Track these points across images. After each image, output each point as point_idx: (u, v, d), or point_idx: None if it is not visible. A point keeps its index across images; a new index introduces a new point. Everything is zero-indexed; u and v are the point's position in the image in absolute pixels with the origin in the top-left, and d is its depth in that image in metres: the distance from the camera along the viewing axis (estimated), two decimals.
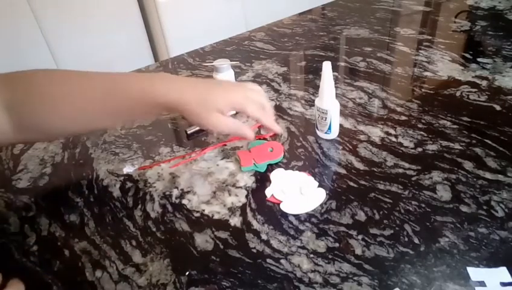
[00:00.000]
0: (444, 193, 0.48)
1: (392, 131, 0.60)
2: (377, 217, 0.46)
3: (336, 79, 0.74)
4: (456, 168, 0.52)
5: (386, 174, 0.52)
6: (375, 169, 0.53)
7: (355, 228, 0.45)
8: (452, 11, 1.03)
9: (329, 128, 0.58)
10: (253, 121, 0.58)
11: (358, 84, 0.73)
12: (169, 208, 0.50)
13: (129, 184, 0.54)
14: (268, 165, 0.55)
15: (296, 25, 1.04)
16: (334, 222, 0.46)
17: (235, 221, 0.47)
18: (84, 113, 0.47)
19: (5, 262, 0.45)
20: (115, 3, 1.37)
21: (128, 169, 0.57)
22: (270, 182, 0.52)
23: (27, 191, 0.55)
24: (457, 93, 0.68)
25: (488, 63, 0.76)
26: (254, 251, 0.43)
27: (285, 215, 0.47)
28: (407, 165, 0.53)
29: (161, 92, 0.47)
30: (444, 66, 0.77)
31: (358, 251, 0.42)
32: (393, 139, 0.58)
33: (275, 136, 0.60)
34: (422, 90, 0.70)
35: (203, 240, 0.45)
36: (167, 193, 0.52)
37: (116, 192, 0.53)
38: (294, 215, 0.47)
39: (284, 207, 0.48)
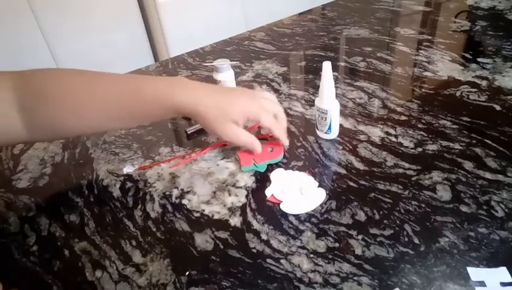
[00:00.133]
0: (444, 193, 0.48)
1: (392, 131, 0.60)
2: (377, 217, 0.46)
3: (336, 79, 0.74)
4: (456, 168, 0.52)
5: (386, 174, 0.52)
6: (375, 169, 0.53)
7: (355, 228, 0.45)
8: (452, 11, 1.03)
9: (329, 128, 0.58)
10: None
11: (358, 84, 0.73)
12: (169, 208, 0.50)
13: (129, 184, 0.54)
14: (268, 165, 0.55)
15: (296, 25, 1.04)
16: (334, 222, 0.46)
17: (235, 221, 0.47)
18: (98, 114, 0.48)
19: (5, 262, 0.45)
20: (115, 3, 1.37)
21: (128, 169, 0.57)
22: (270, 182, 0.52)
23: (27, 191, 0.55)
24: (457, 93, 0.68)
25: (488, 63, 0.76)
26: (254, 251, 0.43)
27: (285, 215, 0.47)
28: (407, 165, 0.53)
29: (179, 98, 0.47)
30: (444, 66, 0.77)
31: (358, 251, 0.42)
32: (393, 139, 0.58)
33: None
34: (422, 90, 0.70)
35: (203, 240, 0.45)
36: (167, 193, 0.52)
37: (116, 192, 0.53)
38: (294, 215, 0.47)
39: (284, 207, 0.48)
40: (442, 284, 0.38)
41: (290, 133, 0.61)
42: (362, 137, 0.59)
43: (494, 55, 0.79)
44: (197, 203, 0.50)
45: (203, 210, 0.49)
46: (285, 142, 0.55)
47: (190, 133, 0.63)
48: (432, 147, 0.56)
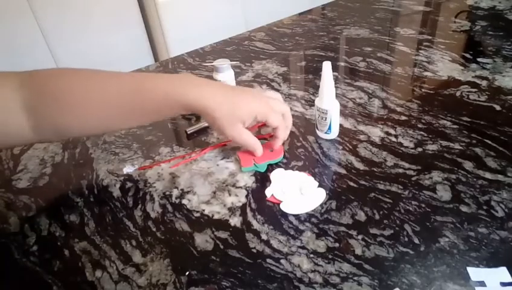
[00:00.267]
0: (444, 193, 0.48)
1: (392, 131, 0.60)
2: (377, 217, 0.46)
3: (336, 79, 0.74)
4: (456, 168, 0.52)
5: (386, 174, 0.52)
6: (375, 169, 0.53)
7: (355, 228, 0.45)
8: (452, 11, 1.03)
9: (329, 128, 0.58)
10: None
11: (358, 84, 0.73)
12: (169, 208, 0.50)
13: (129, 184, 0.54)
14: (268, 165, 0.55)
15: (296, 25, 1.04)
16: (334, 222, 0.46)
17: (235, 221, 0.47)
18: (105, 114, 0.47)
19: (5, 262, 0.45)
20: (115, 3, 1.37)
21: (128, 169, 0.57)
22: (270, 182, 0.52)
23: (27, 191, 0.55)
24: (457, 93, 0.68)
25: (488, 63, 0.76)
26: (254, 251, 0.43)
27: (285, 215, 0.47)
28: (407, 165, 0.53)
29: (187, 95, 0.47)
30: (444, 66, 0.77)
31: (358, 251, 0.42)
32: (393, 139, 0.58)
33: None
34: (422, 90, 0.70)
35: (203, 240, 0.45)
36: (167, 193, 0.52)
37: (116, 192, 0.53)
38: (294, 215, 0.47)
39: (284, 207, 0.48)
40: (442, 284, 0.38)
41: (290, 133, 0.61)
42: (362, 137, 0.59)
43: (494, 55, 0.79)
44: (197, 203, 0.50)
45: (203, 210, 0.49)
46: (277, 145, 0.55)
47: (190, 133, 0.63)
48: (431, 147, 0.56)
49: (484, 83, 0.70)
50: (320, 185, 0.51)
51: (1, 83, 0.44)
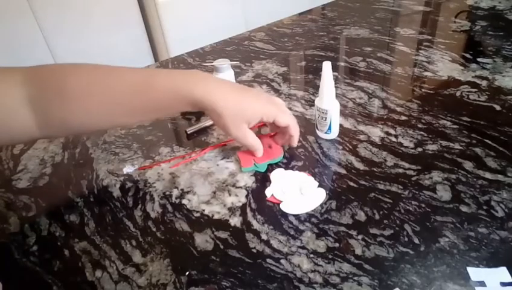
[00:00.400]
0: (444, 193, 0.48)
1: (392, 131, 0.60)
2: (377, 217, 0.46)
3: (336, 79, 0.74)
4: (456, 168, 0.52)
5: (386, 174, 0.52)
6: (375, 169, 0.53)
7: (355, 228, 0.45)
8: (452, 11, 1.03)
9: (329, 128, 0.58)
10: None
11: (358, 84, 0.73)
12: (169, 208, 0.50)
13: (129, 184, 0.54)
14: (268, 165, 0.55)
15: (296, 25, 1.04)
16: (334, 222, 0.46)
17: (235, 221, 0.47)
18: (110, 109, 0.47)
19: (5, 262, 0.45)
20: (115, 3, 1.37)
21: (128, 169, 0.57)
22: (270, 182, 0.52)
23: (27, 191, 0.55)
24: (457, 93, 0.68)
25: (488, 63, 0.76)
26: (254, 251, 0.43)
27: (285, 215, 0.47)
28: (407, 165, 0.53)
29: (196, 92, 0.47)
30: (444, 66, 0.77)
31: (358, 251, 0.42)
32: (393, 139, 0.58)
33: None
34: (422, 90, 0.70)
35: (203, 240, 0.45)
36: (167, 193, 0.52)
37: (116, 192, 0.53)
38: (294, 215, 0.47)
39: (284, 207, 0.48)
40: (442, 284, 0.38)
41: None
42: (362, 137, 0.59)
43: (494, 55, 0.79)
44: (197, 203, 0.50)
45: (203, 210, 0.49)
46: (294, 144, 0.55)
47: (190, 133, 0.63)
48: (431, 147, 0.56)
49: (484, 83, 0.70)
50: (320, 185, 0.51)
51: (4, 79, 0.44)
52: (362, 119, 0.63)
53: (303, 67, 0.82)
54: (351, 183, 0.51)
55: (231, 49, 0.92)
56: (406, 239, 0.43)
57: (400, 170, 0.52)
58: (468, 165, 0.52)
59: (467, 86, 0.70)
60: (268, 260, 0.42)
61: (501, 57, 0.78)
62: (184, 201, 0.51)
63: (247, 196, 0.51)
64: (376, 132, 0.60)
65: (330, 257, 0.42)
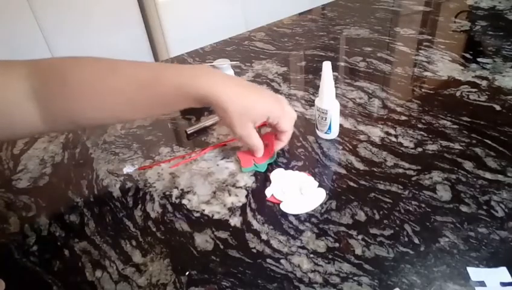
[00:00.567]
0: (444, 193, 0.48)
1: (392, 131, 0.60)
2: (377, 217, 0.46)
3: (336, 79, 0.74)
4: (456, 168, 0.52)
5: (386, 174, 0.52)
6: (375, 169, 0.53)
7: (355, 228, 0.45)
8: (452, 11, 1.03)
9: (329, 128, 0.58)
10: None
11: (358, 84, 0.73)
12: (169, 208, 0.50)
13: (129, 184, 0.54)
14: (268, 165, 0.55)
15: (296, 25, 1.04)
16: (334, 222, 0.46)
17: (235, 221, 0.47)
18: (115, 103, 0.46)
19: (5, 262, 0.45)
20: (115, 3, 1.37)
21: (128, 169, 0.57)
22: (270, 182, 0.52)
23: (27, 191, 0.55)
24: (457, 93, 0.68)
25: (488, 63, 0.76)
26: (254, 251, 0.43)
27: (285, 215, 0.47)
28: (407, 165, 0.53)
29: (203, 87, 0.46)
30: (444, 66, 0.77)
31: (358, 251, 0.42)
32: (393, 139, 0.58)
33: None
34: (422, 90, 0.70)
35: (203, 240, 0.45)
36: (167, 193, 0.52)
37: (116, 192, 0.53)
38: (294, 215, 0.47)
39: (284, 207, 0.48)
40: (442, 284, 0.38)
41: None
42: (362, 137, 0.59)
43: (494, 55, 0.79)
44: (197, 203, 0.50)
45: (203, 210, 0.49)
46: (279, 147, 0.55)
47: (190, 133, 0.63)
48: (431, 147, 0.56)
49: (484, 83, 0.70)
50: (320, 185, 0.51)
51: (7, 72, 0.44)
52: (362, 119, 0.63)
53: (303, 67, 0.82)
54: (351, 183, 0.51)
55: (231, 49, 0.92)
56: (406, 239, 0.43)
57: (400, 170, 0.52)
58: (468, 165, 0.52)
59: (467, 86, 0.70)
60: (268, 260, 0.42)
61: (501, 57, 0.78)
62: (184, 201, 0.51)
63: (247, 196, 0.51)
64: (376, 132, 0.60)
65: (330, 257, 0.42)
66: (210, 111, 0.69)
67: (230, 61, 0.67)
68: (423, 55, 0.81)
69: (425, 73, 0.75)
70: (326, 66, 0.53)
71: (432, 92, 0.69)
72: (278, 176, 0.53)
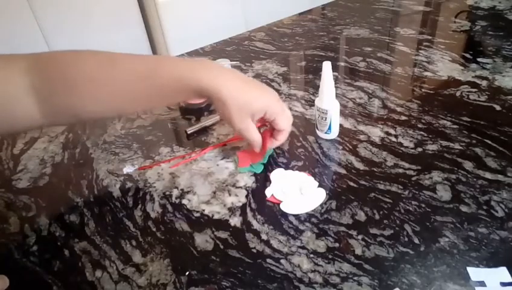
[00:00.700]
0: (444, 193, 0.48)
1: (392, 131, 0.60)
2: (377, 217, 0.46)
3: (336, 79, 0.74)
4: (456, 168, 0.52)
5: (386, 174, 0.52)
6: (375, 169, 0.53)
7: (355, 228, 0.45)
8: (452, 11, 1.03)
9: (329, 128, 0.58)
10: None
11: (358, 84, 0.73)
12: (169, 208, 0.50)
13: (129, 184, 0.54)
14: (264, 166, 0.55)
15: (296, 25, 1.04)
16: (334, 222, 0.46)
17: (235, 221, 0.47)
18: (115, 96, 0.46)
19: (5, 262, 0.45)
20: (115, 3, 1.37)
21: (128, 169, 0.57)
22: (270, 182, 0.52)
23: (27, 191, 0.55)
24: (457, 93, 0.68)
25: (488, 63, 0.76)
26: (254, 251, 0.43)
27: (285, 215, 0.47)
28: (407, 165, 0.53)
29: (203, 80, 0.46)
30: (444, 66, 0.77)
31: (358, 251, 0.42)
32: (393, 139, 0.58)
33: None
34: (422, 90, 0.70)
35: (203, 240, 0.45)
36: (167, 193, 0.52)
37: (116, 192, 0.53)
38: (294, 215, 0.47)
39: (284, 207, 0.48)
40: (442, 284, 0.38)
41: (290, 133, 0.61)
42: (362, 137, 0.59)
43: (494, 55, 0.79)
44: (197, 203, 0.50)
45: (203, 210, 0.49)
46: (275, 145, 0.55)
47: (190, 133, 0.63)
48: (431, 147, 0.56)
49: (484, 83, 0.70)
50: (320, 185, 0.51)
51: (7, 66, 0.43)
52: (362, 119, 0.63)
53: (303, 67, 0.82)
54: (351, 183, 0.51)
55: (231, 49, 0.92)
56: (406, 239, 0.43)
57: (400, 170, 0.52)
58: (468, 165, 0.52)
59: (467, 86, 0.70)
60: (268, 260, 0.42)
61: (501, 57, 0.78)
62: (184, 201, 0.51)
63: (247, 196, 0.51)
64: (376, 132, 0.60)
65: (330, 257, 0.42)
66: (210, 111, 0.69)
67: (231, 61, 0.67)
68: (423, 55, 0.81)
69: (425, 73, 0.75)
70: (326, 66, 0.53)
71: (431, 92, 0.69)
72: (278, 176, 0.53)
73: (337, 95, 0.60)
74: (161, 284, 0.41)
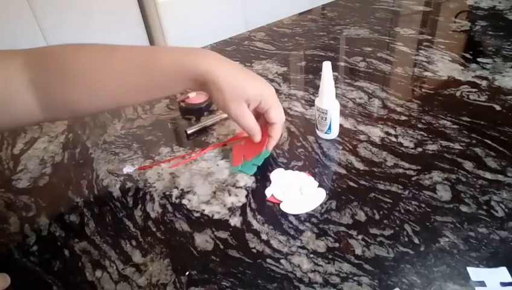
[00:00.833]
0: (444, 193, 0.48)
1: (392, 131, 0.60)
2: (377, 217, 0.46)
3: (336, 79, 0.74)
4: (456, 168, 0.52)
5: (386, 174, 0.52)
6: (375, 169, 0.53)
7: (355, 228, 0.45)
8: (452, 11, 1.03)
9: (329, 128, 0.58)
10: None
11: (358, 84, 0.73)
12: (169, 208, 0.50)
13: (129, 184, 0.54)
14: (257, 167, 0.54)
15: (296, 25, 1.04)
16: (334, 222, 0.46)
17: (235, 221, 0.47)
18: (114, 89, 0.46)
19: (5, 262, 0.45)
20: (115, 3, 1.37)
21: (128, 169, 0.57)
22: (270, 182, 0.52)
23: (27, 191, 0.55)
24: (457, 93, 0.68)
25: (488, 63, 0.76)
26: (254, 251, 0.43)
27: (285, 215, 0.47)
28: (407, 165, 0.53)
29: (200, 66, 0.46)
30: (444, 66, 0.77)
31: (358, 251, 0.42)
32: (393, 139, 0.58)
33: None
34: (422, 90, 0.70)
35: (203, 240, 0.45)
36: (167, 193, 0.52)
37: (116, 192, 0.53)
38: (294, 215, 0.47)
39: (284, 207, 0.48)
40: (442, 284, 0.38)
41: (290, 133, 0.61)
42: (362, 137, 0.59)
43: (494, 55, 0.79)
44: (197, 203, 0.50)
45: (203, 210, 0.49)
46: (270, 147, 0.54)
47: (190, 133, 0.63)
48: (431, 147, 0.56)
49: (484, 83, 0.70)
50: (320, 185, 0.51)
51: (6, 61, 0.43)
52: (362, 119, 0.63)
53: (303, 67, 0.82)
54: (351, 183, 0.51)
55: (231, 49, 0.92)
56: (406, 239, 0.43)
57: (400, 170, 0.52)
58: (468, 165, 0.52)
59: (467, 86, 0.70)
60: (268, 260, 0.42)
61: (501, 57, 0.78)
62: (184, 201, 0.51)
63: (247, 196, 0.51)
64: (376, 132, 0.60)
65: (330, 257, 0.42)
66: (210, 111, 0.69)
67: None
68: (423, 55, 0.81)
69: (425, 73, 0.75)
70: (326, 66, 0.53)
71: (432, 92, 0.69)
72: (278, 176, 0.53)
73: (337, 95, 0.60)
74: (161, 284, 0.41)
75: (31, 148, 0.63)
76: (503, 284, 0.38)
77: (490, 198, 0.47)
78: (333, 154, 0.56)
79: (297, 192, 0.50)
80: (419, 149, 0.56)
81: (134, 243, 0.45)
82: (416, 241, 0.43)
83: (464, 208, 0.46)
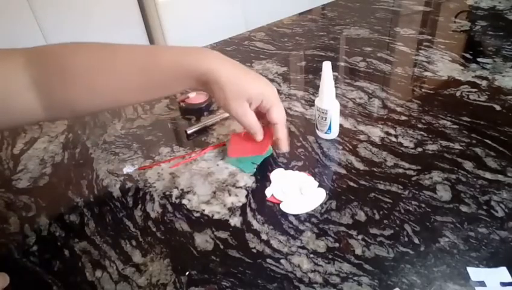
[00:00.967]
0: (444, 193, 0.48)
1: (392, 131, 0.60)
2: (377, 217, 0.46)
3: (336, 79, 0.74)
4: (456, 168, 0.52)
5: (386, 174, 0.52)
6: (375, 169, 0.53)
7: (355, 228, 0.45)
8: (452, 11, 1.03)
9: (329, 128, 0.58)
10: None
11: (358, 84, 0.73)
12: (169, 208, 0.50)
13: (129, 184, 0.54)
14: (255, 166, 0.54)
15: (296, 25, 1.04)
16: (334, 222, 0.46)
17: (235, 221, 0.47)
18: (115, 88, 0.46)
19: (5, 262, 0.45)
20: (115, 3, 1.37)
21: (128, 169, 0.57)
22: (270, 182, 0.52)
23: (27, 191, 0.55)
24: (457, 93, 0.68)
25: (488, 63, 0.76)
26: (254, 251, 0.43)
27: (285, 215, 0.47)
28: (407, 165, 0.53)
29: (201, 64, 0.46)
30: (444, 66, 0.77)
31: (358, 251, 0.42)
32: (393, 139, 0.58)
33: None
34: (422, 90, 0.70)
35: (203, 240, 0.45)
36: (167, 193, 0.52)
37: (116, 192, 0.53)
38: (294, 215, 0.47)
39: (284, 207, 0.48)
40: (442, 284, 0.38)
41: (290, 133, 0.61)
42: (362, 137, 0.59)
43: (494, 55, 0.79)
44: (197, 203, 0.50)
45: (203, 210, 0.49)
46: (285, 146, 0.53)
47: (190, 133, 0.63)
48: (431, 147, 0.56)
49: (484, 83, 0.70)
50: (320, 185, 0.51)
51: (7, 60, 0.43)
52: (362, 119, 0.63)
53: (303, 67, 0.82)
54: (351, 183, 0.51)
55: (231, 49, 0.92)
56: (406, 239, 0.43)
57: (400, 170, 0.52)
58: (468, 165, 0.52)
59: (467, 86, 0.70)
60: (268, 260, 0.42)
61: (501, 57, 0.78)
62: (184, 201, 0.51)
63: (247, 196, 0.51)
64: (376, 132, 0.60)
65: (330, 257, 0.42)
66: (210, 111, 0.69)
67: None
68: (423, 55, 0.81)
69: (425, 73, 0.75)
70: (326, 66, 0.53)
71: (432, 92, 0.69)
72: (278, 176, 0.53)
73: (337, 95, 0.60)
74: (161, 284, 0.41)
75: (31, 148, 0.63)
76: (503, 284, 0.38)
77: (490, 198, 0.47)
78: (333, 154, 0.56)
79: (297, 192, 0.50)
80: (419, 149, 0.56)
81: (134, 243, 0.45)
82: (416, 241, 0.43)
83: (464, 208, 0.46)
